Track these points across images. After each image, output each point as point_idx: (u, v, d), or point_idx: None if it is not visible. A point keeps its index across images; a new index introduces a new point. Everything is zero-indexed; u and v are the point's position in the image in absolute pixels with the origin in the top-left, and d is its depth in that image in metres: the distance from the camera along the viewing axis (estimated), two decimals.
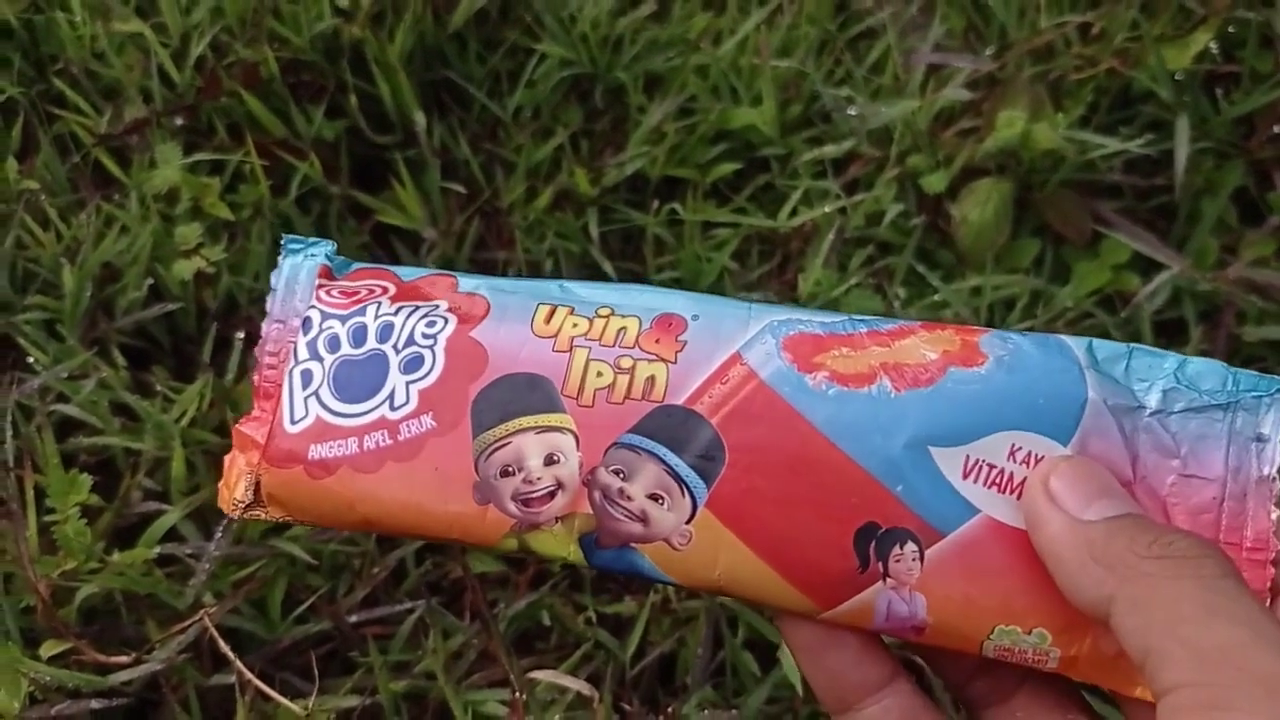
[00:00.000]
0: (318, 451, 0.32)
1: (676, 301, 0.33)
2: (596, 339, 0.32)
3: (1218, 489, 0.30)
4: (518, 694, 0.55)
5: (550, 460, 0.31)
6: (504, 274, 0.78)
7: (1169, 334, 0.77)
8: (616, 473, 0.31)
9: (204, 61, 0.78)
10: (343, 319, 0.34)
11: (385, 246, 0.79)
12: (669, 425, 0.31)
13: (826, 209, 0.78)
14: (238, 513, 0.34)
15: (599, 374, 0.32)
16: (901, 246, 0.78)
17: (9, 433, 0.60)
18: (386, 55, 0.77)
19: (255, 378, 0.35)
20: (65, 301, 0.67)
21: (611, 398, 0.32)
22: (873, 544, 0.30)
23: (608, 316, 0.33)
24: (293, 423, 0.33)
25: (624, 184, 0.81)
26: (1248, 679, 0.23)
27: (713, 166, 0.82)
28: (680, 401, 0.31)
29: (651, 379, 0.32)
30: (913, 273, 0.78)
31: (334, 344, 0.33)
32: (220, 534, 0.59)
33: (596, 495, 0.31)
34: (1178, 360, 0.31)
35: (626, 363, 0.32)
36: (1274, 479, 0.30)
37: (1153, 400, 0.31)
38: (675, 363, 0.32)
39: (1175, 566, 0.25)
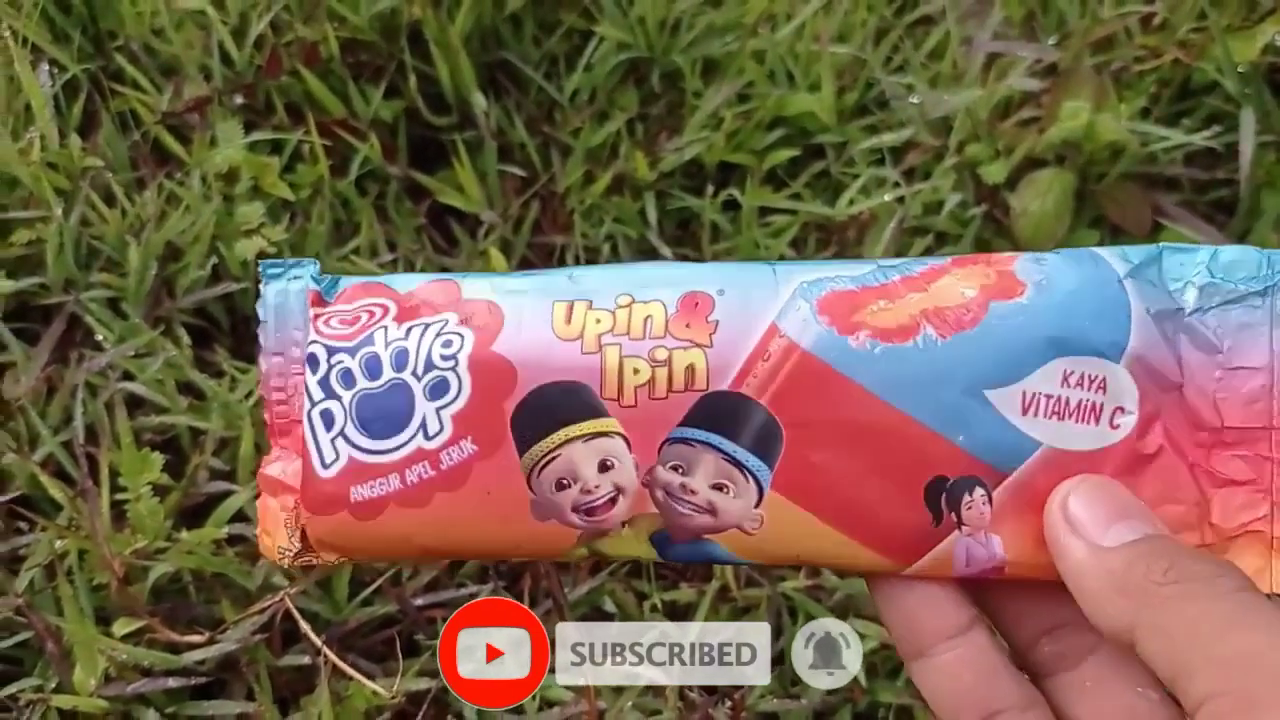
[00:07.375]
0: (360, 493, 0.31)
1: (696, 276, 0.32)
2: (625, 333, 0.31)
3: (1266, 376, 0.29)
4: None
5: (605, 466, 0.30)
6: (562, 260, 0.77)
7: None
8: (675, 468, 0.30)
9: (264, 40, 0.77)
10: (351, 351, 0.32)
11: (443, 230, 0.79)
12: (719, 413, 0.30)
13: (885, 198, 0.78)
14: (287, 561, 0.32)
15: (635, 370, 0.30)
16: (959, 237, 0.78)
17: (79, 409, 0.61)
18: (447, 36, 0.77)
19: (266, 416, 0.33)
20: (129, 279, 0.67)
21: (654, 393, 0.30)
22: (943, 496, 0.30)
23: (629, 306, 0.31)
24: (325, 467, 0.32)
25: (680, 169, 0.81)
26: (1275, 677, 0.23)
27: (769, 153, 0.81)
28: (725, 386, 0.30)
29: (691, 368, 0.30)
30: None
31: (348, 379, 0.32)
32: None
33: (659, 494, 0.30)
34: (1209, 252, 0.30)
35: (661, 354, 0.30)
36: None
37: (1189, 299, 0.30)
38: (712, 346, 0.30)
39: (1191, 589, 0.26)
